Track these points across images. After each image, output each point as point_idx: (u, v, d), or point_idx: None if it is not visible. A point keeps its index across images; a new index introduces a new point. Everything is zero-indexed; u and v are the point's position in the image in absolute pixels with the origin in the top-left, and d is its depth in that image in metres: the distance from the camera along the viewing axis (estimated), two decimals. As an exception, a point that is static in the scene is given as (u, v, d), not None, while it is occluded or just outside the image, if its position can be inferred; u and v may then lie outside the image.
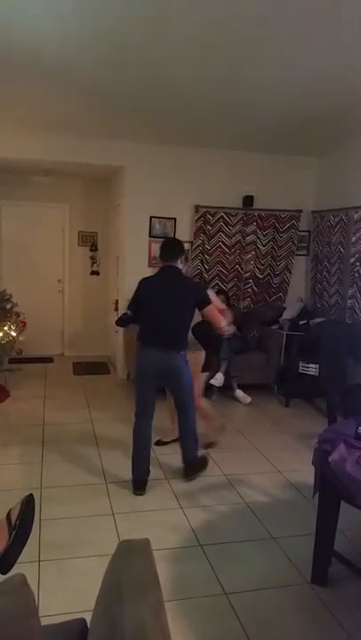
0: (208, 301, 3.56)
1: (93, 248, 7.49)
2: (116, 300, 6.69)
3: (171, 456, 4.11)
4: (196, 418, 3.82)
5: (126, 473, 3.84)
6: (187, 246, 6.22)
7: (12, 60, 3.96)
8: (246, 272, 6.39)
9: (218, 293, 6.00)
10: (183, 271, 3.73)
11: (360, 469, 2.29)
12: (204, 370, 4.21)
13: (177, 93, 4.61)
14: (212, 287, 6.27)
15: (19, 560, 1.62)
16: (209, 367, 4.31)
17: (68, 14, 3.39)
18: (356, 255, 5.57)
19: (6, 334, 5.39)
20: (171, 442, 4.32)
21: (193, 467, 3.79)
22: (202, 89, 4.53)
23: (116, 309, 6.59)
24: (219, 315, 3.61)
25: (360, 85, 4.37)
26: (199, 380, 4.13)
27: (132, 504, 3.41)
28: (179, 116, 5.18)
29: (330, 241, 6.04)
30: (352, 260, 5.63)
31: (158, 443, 4.31)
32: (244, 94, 4.62)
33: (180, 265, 3.63)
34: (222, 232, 6.25)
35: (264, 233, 6.36)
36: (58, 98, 4.70)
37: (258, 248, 6.37)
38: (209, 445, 4.29)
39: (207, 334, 3.80)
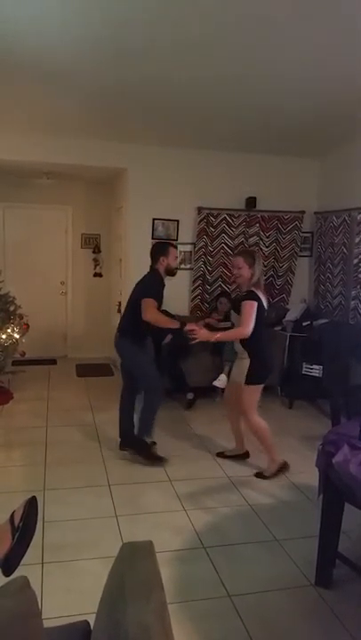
0: (144, 295, 3.92)
1: (96, 250, 7.50)
2: (119, 302, 6.69)
3: (171, 457, 4.11)
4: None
5: (129, 475, 3.84)
6: (189, 248, 6.23)
7: (14, 62, 3.97)
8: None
9: (220, 295, 6.02)
10: (162, 269, 4.06)
11: (364, 471, 2.28)
12: (251, 382, 3.80)
13: (179, 95, 4.61)
14: (215, 289, 6.28)
15: (22, 562, 1.62)
16: (257, 379, 3.82)
17: (70, 16, 3.39)
18: (360, 256, 5.57)
19: (10, 336, 5.40)
20: (233, 457, 4.20)
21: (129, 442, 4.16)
22: (204, 91, 4.53)
23: (119, 311, 6.59)
24: (147, 309, 3.84)
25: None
26: (246, 393, 3.82)
27: (136, 506, 3.41)
28: (181, 118, 5.18)
29: (333, 242, 6.03)
30: (355, 261, 5.62)
31: (220, 455, 4.24)
32: (247, 96, 4.62)
33: (160, 264, 4.06)
34: (225, 234, 6.25)
35: (267, 234, 6.36)
36: (60, 100, 4.71)
37: (261, 249, 6.36)
38: (259, 475, 3.92)
39: (253, 343, 3.73)
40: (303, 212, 6.42)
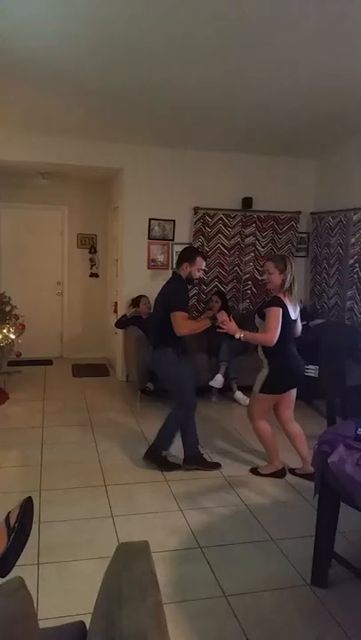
0: (172, 309, 3.72)
1: (92, 250, 7.49)
2: (115, 302, 6.69)
3: (171, 457, 4.11)
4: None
5: (125, 475, 3.84)
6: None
7: (11, 62, 3.96)
8: (245, 273, 6.40)
9: (213, 294, 6.01)
10: (184, 275, 3.86)
11: (360, 471, 2.29)
12: (264, 391, 3.73)
13: (176, 95, 4.62)
14: (212, 289, 6.28)
15: (17, 563, 1.62)
16: (272, 388, 3.73)
17: (68, 17, 3.39)
18: (356, 257, 5.58)
19: (5, 337, 5.39)
20: (269, 475, 3.94)
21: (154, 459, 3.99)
22: (201, 91, 4.53)
23: (116, 311, 6.59)
24: (179, 323, 3.70)
25: (358, 87, 4.38)
26: (258, 399, 3.78)
27: (132, 506, 3.40)
28: (178, 118, 5.18)
29: (329, 242, 6.04)
30: (351, 261, 5.63)
31: (254, 471, 4.00)
32: (244, 96, 4.63)
33: (182, 270, 3.86)
34: (221, 234, 6.25)
35: (263, 234, 6.37)
36: (56, 100, 4.71)
37: (257, 250, 6.38)
38: (253, 470, 3.98)
39: (275, 352, 3.62)
40: (299, 212, 6.43)
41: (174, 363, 3.87)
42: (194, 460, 3.98)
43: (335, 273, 5.98)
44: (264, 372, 3.72)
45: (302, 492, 3.62)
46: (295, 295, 3.67)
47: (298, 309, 3.72)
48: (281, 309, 3.53)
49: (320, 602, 2.52)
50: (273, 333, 3.50)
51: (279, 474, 3.88)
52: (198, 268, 3.87)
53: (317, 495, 2.60)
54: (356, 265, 5.58)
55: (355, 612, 2.47)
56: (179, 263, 3.92)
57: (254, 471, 3.95)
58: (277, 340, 3.53)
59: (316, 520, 2.65)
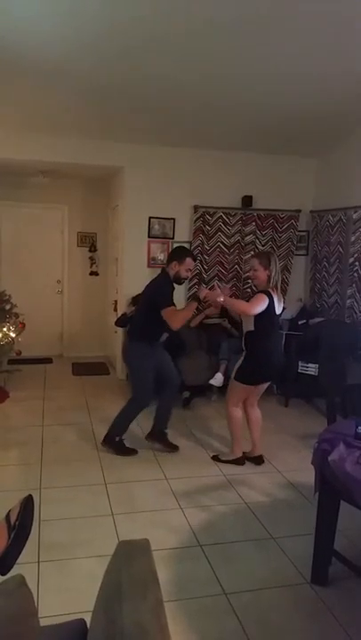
0: (161, 308, 3.81)
1: (92, 249, 7.49)
2: (115, 301, 6.69)
3: (170, 456, 4.12)
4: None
5: (125, 474, 3.84)
6: (185, 247, 6.22)
7: (11, 60, 3.96)
8: (246, 272, 6.39)
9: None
10: (171, 273, 3.96)
11: (360, 469, 2.29)
12: (238, 378, 3.87)
13: (176, 94, 4.61)
14: (211, 287, 6.27)
15: (18, 561, 1.62)
16: (244, 378, 3.84)
17: (67, 15, 3.39)
18: (355, 255, 5.58)
19: (5, 335, 5.39)
20: (228, 462, 4.08)
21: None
22: (201, 90, 4.53)
23: (116, 310, 6.59)
24: (170, 318, 3.80)
25: (358, 85, 4.37)
26: (233, 386, 3.94)
27: (132, 504, 3.41)
28: (178, 117, 5.18)
29: (329, 241, 6.04)
30: (351, 259, 5.63)
31: (215, 458, 4.16)
32: (243, 95, 4.63)
33: (171, 268, 3.97)
34: (221, 232, 6.25)
35: (263, 233, 6.36)
36: (57, 98, 4.71)
37: (257, 248, 6.37)
38: (215, 457, 4.14)
39: (253, 344, 3.76)
40: (299, 210, 6.43)
41: (141, 357, 4.04)
42: (157, 437, 4.26)
43: (335, 271, 5.97)
44: (240, 361, 3.85)
45: (302, 491, 3.63)
46: (279, 290, 3.81)
47: (281, 306, 3.83)
48: (268, 299, 3.65)
49: (320, 600, 2.53)
50: (253, 306, 3.64)
51: (239, 461, 4.04)
52: (187, 268, 3.98)
53: (317, 493, 2.61)
54: (356, 263, 5.57)
55: (355, 610, 2.47)
56: (168, 261, 4.05)
57: (215, 458, 4.12)
58: (257, 332, 3.71)
59: (316, 518, 2.65)
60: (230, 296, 4.22)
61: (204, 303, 3.92)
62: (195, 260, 4.27)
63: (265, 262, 3.74)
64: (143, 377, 4.08)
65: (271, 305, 3.67)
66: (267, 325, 3.72)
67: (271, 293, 3.69)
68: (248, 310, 3.66)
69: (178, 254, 4.02)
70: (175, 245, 6.18)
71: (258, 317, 3.67)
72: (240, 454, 4.05)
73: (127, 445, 4.22)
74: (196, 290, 6.19)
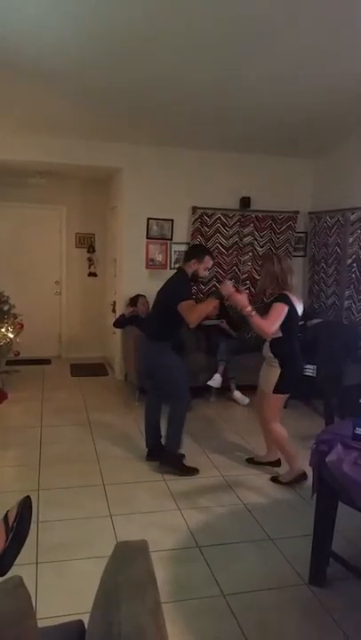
0: (176, 302, 3.67)
1: (91, 250, 7.49)
2: (114, 302, 6.69)
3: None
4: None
5: (124, 475, 3.84)
6: (183, 248, 6.23)
7: (10, 62, 3.96)
8: (244, 273, 6.40)
9: (211, 294, 5.98)
10: (189, 272, 3.84)
11: (357, 470, 2.30)
12: (279, 391, 3.69)
13: (175, 95, 4.62)
14: (210, 288, 6.28)
15: (16, 562, 1.62)
16: (286, 388, 3.70)
17: (67, 16, 3.39)
18: (353, 256, 5.59)
19: (4, 336, 5.39)
20: (264, 463, 4.04)
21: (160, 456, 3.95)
22: (199, 90, 4.54)
23: (114, 311, 6.59)
24: (188, 311, 3.66)
25: (357, 86, 4.38)
26: (273, 400, 3.73)
27: (130, 506, 3.41)
28: (176, 118, 5.18)
29: (327, 242, 6.05)
30: (349, 261, 5.64)
31: (249, 461, 4.11)
32: (242, 96, 4.63)
33: (189, 267, 3.84)
34: (220, 233, 6.25)
35: (261, 234, 6.37)
36: (55, 99, 4.71)
37: (255, 249, 6.38)
38: (274, 479, 3.84)
39: (285, 351, 3.61)
40: (297, 212, 6.44)
41: (169, 356, 3.88)
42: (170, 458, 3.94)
43: (333, 272, 5.98)
44: (276, 371, 3.63)
45: (300, 492, 3.63)
46: (295, 291, 3.68)
47: (301, 307, 3.72)
48: (287, 307, 3.52)
49: (318, 601, 2.53)
50: (272, 325, 3.52)
51: (301, 478, 3.71)
52: (205, 266, 3.86)
53: (315, 494, 2.61)
54: (354, 264, 5.59)
55: (353, 610, 2.48)
56: (187, 259, 3.92)
57: (275, 480, 3.82)
58: (287, 337, 3.57)
59: (314, 519, 2.65)
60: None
61: (226, 301, 3.73)
62: (213, 258, 4.15)
63: (266, 265, 3.69)
64: (177, 373, 3.90)
65: (292, 308, 3.55)
66: (292, 329, 3.60)
67: (289, 297, 3.57)
68: (267, 329, 3.51)
69: (197, 252, 3.92)
70: (173, 246, 6.22)
71: (283, 322, 3.55)
72: (300, 470, 3.71)
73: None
74: (193, 293, 6.20)
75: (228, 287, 3.65)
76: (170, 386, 3.93)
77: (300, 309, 3.68)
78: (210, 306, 3.82)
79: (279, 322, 3.53)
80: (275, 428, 3.75)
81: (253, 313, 3.52)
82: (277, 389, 3.67)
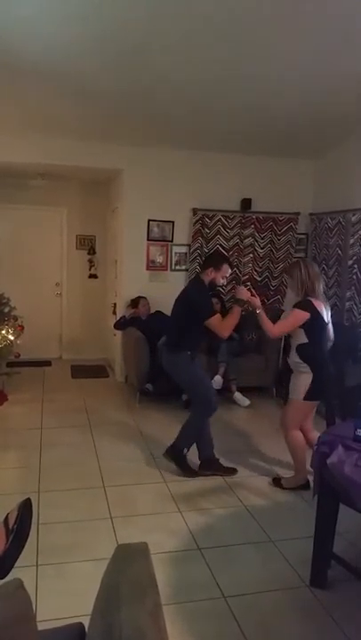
0: (205, 317, 3.66)
1: (91, 251, 7.49)
2: (114, 304, 6.69)
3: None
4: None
5: (124, 477, 3.84)
6: (184, 249, 6.24)
7: (11, 63, 3.96)
8: (244, 275, 6.40)
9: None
10: (207, 280, 3.80)
11: (358, 472, 2.29)
12: (309, 398, 3.60)
13: (175, 96, 4.62)
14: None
15: (16, 564, 1.61)
16: (317, 395, 3.62)
17: (68, 17, 3.40)
18: (354, 257, 5.58)
19: (4, 338, 5.39)
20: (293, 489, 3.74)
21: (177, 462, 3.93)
22: (199, 91, 4.54)
23: (115, 312, 6.59)
24: (218, 327, 3.66)
25: (357, 86, 4.38)
26: (300, 406, 3.65)
27: (131, 508, 3.40)
28: (177, 119, 5.18)
29: (328, 243, 6.04)
30: (350, 262, 5.64)
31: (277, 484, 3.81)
32: (242, 96, 4.63)
33: (206, 275, 3.80)
34: (220, 235, 6.25)
35: (262, 236, 6.37)
36: (56, 101, 4.71)
37: (256, 251, 6.38)
38: (276, 482, 3.81)
39: (314, 356, 3.54)
40: (298, 213, 6.44)
41: (189, 364, 3.83)
42: (209, 465, 3.93)
43: (334, 274, 5.98)
44: (306, 378, 3.54)
45: (301, 493, 3.62)
46: (322, 296, 3.60)
47: (329, 312, 3.63)
48: (307, 314, 3.46)
49: (319, 603, 2.52)
50: (280, 329, 3.56)
51: (303, 487, 3.68)
52: (223, 275, 3.81)
53: (316, 496, 2.61)
54: (355, 266, 5.58)
55: (354, 612, 2.47)
56: (204, 267, 3.88)
57: (277, 483, 3.79)
58: (311, 344, 3.50)
59: (315, 521, 2.65)
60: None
61: (246, 304, 3.73)
62: (232, 266, 4.07)
63: (290, 272, 3.63)
64: (199, 382, 3.87)
65: (316, 314, 3.48)
66: (319, 335, 3.53)
67: (313, 304, 3.49)
68: (273, 331, 3.54)
69: (214, 260, 3.86)
70: (174, 248, 6.22)
71: (308, 328, 3.49)
72: (304, 480, 3.68)
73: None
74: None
75: (245, 292, 3.70)
76: (191, 394, 4.12)
77: (327, 317, 3.58)
78: (238, 316, 3.73)
79: (291, 327, 3.52)
80: (294, 435, 3.68)
81: (261, 312, 3.57)
82: (309, 395, 3.57)
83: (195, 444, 3.95)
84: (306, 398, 3.57)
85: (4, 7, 3.25)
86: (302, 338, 3.52)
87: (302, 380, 3.55)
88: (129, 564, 1.38)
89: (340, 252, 5.85)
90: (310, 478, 3.49)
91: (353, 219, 5.55)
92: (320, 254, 6.24)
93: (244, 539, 3.08)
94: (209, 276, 3.78)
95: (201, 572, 2.75)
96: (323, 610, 2.47)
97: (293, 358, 3.61)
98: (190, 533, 3.11)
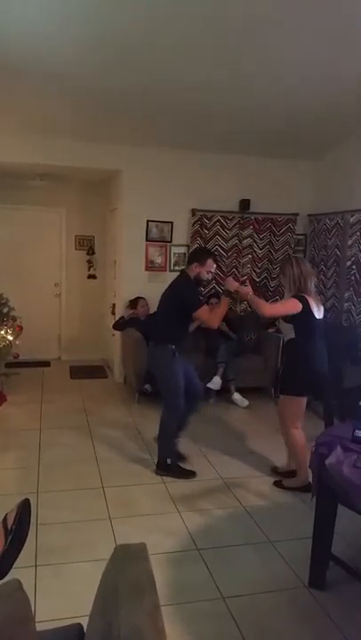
0: (193, 309, 3.70)
1: (90, 252, 7.49)
2: (113, 304, 6.69)
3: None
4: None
5: (123, 477, 3.84)
6: (183, 250, 6.24)
7: (9, 64, 3.96)
8: (243, 275, 6.40)
9: (211, 296, 5.99)
10: (192, 275, 3.83)
11: (357, 472, 2.29)
12: (285, 391, 3.68)
13: (175, 96, 4.62)
14: (209, 290, 6.28)
15: (15, 565, 1.61)
16: (292, 389, 3.64)
17: (67, 17, 3.40)
18: (353, 258, 5.59)
19: (3, 338, 5.39)
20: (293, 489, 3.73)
21: (160, 466, 3.95)
22: (199, 92, 4.54)
23: (114, 313, 6.59)
24: (207, 318, 3.71)
25: (357, 86, 4.39)
26: (282, 404, 3.74)
27: (129, 508, 3.40)
28: (176, 120, 5.19)
29: (326, 244, 6.05)
30: (348, 263, 5.65)
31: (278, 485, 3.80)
32: (242, 97, 4.64)
33: (191, 270, 3.84)
34: (219, 236, 6.26)
35: (261, 236, 6.37)
36: (55, 101, 4.71)
37: (254, 251, 6.38)
38: (275, 470, 3.94)
39: (299, 352, 3.57)
40: (297, 214, 6.44)
41: (170, 359, 3.82)
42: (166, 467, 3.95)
43: (333, 275, 5.99)
44: (292, 374, 3.64)
45: (300, 494, 3.62)
46: (315, 294, 3.64)
47: (322, 310, 3.65)
48: (300, 304, 3.49)
49: (318, 604, 2.52)
50: (274, 309, 3.63)
51: (304, 489, 3.56)
52: (208, 269, 3.83)
53: (315, 497, 2.61)
54: (354, 267, 5.59)
55: (352, 613, 2.47)
56: (189, 262, 3.93)
57: (278, 484, 3.77)
58: (300, 339, 3.56)
59: (314, 522, 2.65)
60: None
61: (236, 295, 3.81)
62: (216, 261, 4.13)
63: (283, 270, 3.68)
64: (174, 382, 3.83)
65: (307, 310, 3.50)
66: (307, 331, 3.56)
67: (306, 298, 3.53)
68: (266, 309, 3.59)
69: (198, 256, 3.91)
70: (173, 249, 6.22)
71: (296, 323, 3.54)
72: (305, 481, 3.60)
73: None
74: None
75: (233, 283, 3.74)
76: (164, 393, 3.95)
77: (319, 314, 3.59)
78: (226, 306, 3.80)
79: (284, 311, 3.57)
80: (293, 434, 3.69)
81: (250, 293, 3.62)
82: (284, 390, 3.67)
83: (157, 444, 3.99)
84: (282, 392, 3.70)
85: (4, 7, 3.25)
86: (290, 334, 3.61)
87: (288, 376, 3.65)
88: (128, 564, 1.38)
89: (338, 252, 5.86)
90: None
91: (351, 220, 5.56)
92: (318, 255, 6.25)
93: (243, 539, 3.08)
94: (194, 271, 3.83)
95: (200, 572, 2.75)
96: (321, 611, 2.47)
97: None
98: (189, 534, 3.11)
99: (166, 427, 3.92)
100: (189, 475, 3.89)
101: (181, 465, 3.99)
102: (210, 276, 3.97)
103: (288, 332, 3.66)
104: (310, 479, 3.43)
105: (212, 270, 3.92)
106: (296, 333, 3.58)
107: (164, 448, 3.95)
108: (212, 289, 6.29)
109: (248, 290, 3.68)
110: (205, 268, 3.81)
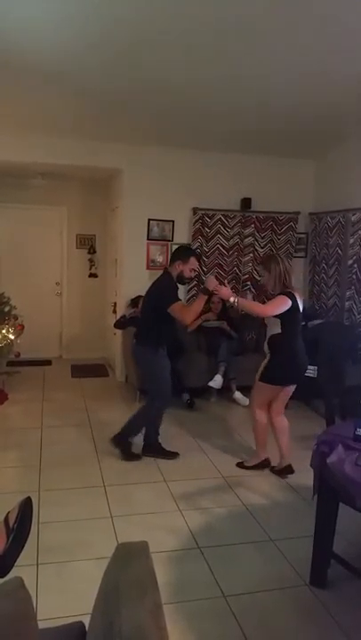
0: (166, 305, 3.78)
1: (91, 251, 7.49)
2: (115, 303, 6.69)
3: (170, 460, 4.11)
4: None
5: (124, 476, 3.84)
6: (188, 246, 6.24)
7: (11, 63, 3.96)
8: (245, 274, 6.40)
9: (213, 296, 5.98)
10: (174, 274, 3.92)
11: (358, 471, 2.29)
12: (265, 380, 3.78)
13: (175, 96, 4.62)
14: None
15: (17, 563, 1.62)
16: (272, 378, 3.75)
17: (68, 17, 3.39)
18: (354, 257, 5.59)
19: (4, 337, 5.39)
20: (253, 467, 4.00)
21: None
22: (200, 92, 4.54)
23: (115, 312, 6.59)
24: (181, 312, 3.78)
25: (357, 86, 4.38)
26: (257, 389, 3.87)
27: (131, 507, 3.41)
28: (177, 119, 5.18)
29: (328, 243, 6.05)
30: (350, 261, 5.64)
31: (240, 465, 4.06)
32: (242, 96, 4.63)
33: (174, 269, 3.92)
34: (220, 234, 6.25)
35: (262, 235, 6.37)
36: (56, 100, 4.71)
37: (256, 250, 6.38)
38: (240, 465, 4.06)
39: (282, 345, 3.67)
40: (298, 212, 6.44)
41: (153, 355, 3.96)
42: (151, 449, 4.16)
43: (334, 273, 5.98)
44: (264, 362, 3.78)
45: (301, 493, 3.63)
46: (296, 289, 3.75)
47: (301, 303, 3.76)
48: (290, 300, 3.58)
49: (319, 602, 2.52)
50: (271, 308, 3.61)
51: (263, 465, 3.98)
52: (191, 267, 3.91)
53: (316, 495, 2.61)
54: (355, 265, 5.58)
55: (354, 612, 2.47)
56: (172, 260, 4.00)
57: (240, 465, 4.04)
58: (284, 331, 3.64)
59: (315, 520, 2.65)
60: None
61: (214, 295, 3.90)
62: (199, 259, 4.19)
63: (268, 265, 3.74)
64: (160, 377, 4.00)
65: (295, 305, 3.62)
66: (293, 326, 3.67)
67: (293, 294, 3.64)
68: (266, 310, 3.63)
69: (181, 254, 3.98)
70: (174, 247, 6.21)
71: (286, 319, 3.62)
72: (263, 458, 3.99)
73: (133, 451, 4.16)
74: (194, 294, 6.19)
75: (212, 281, 3.74)
76: (149, 385, 4.20)
77: (301, 307, 3.74)
78: (201, 303, 3.81)
79: (279, 308, 3.59)
80: (255, 413, 3.88)
81: (237, 300, 3.61)
82: (263, 378, 3.76)
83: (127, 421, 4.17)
84: (261, 379, 3.78)
85: (4, 7, 3.25)
86: (277, 328, 3.68)
87: (264, 362, 3.79)
88: (129, 563, 1.38)
89: (339, 251, 5.85)
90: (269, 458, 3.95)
91: (353, 218, 5.56)
92: (320, 254, 6.24)
93: (244, 538, 3.08)
94: (177, 269, 3.89)
95: (201, 571, 2.75)
96: (322, 609, 2.48)
97: (265, 349, 3.82)
98: (190, 532, 3.11)
99: (150, 411, 4.09)
100: (135, 457, 4.09)
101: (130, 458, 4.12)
102: (193, 274, 4.06)
103: (272, 326, 3.72)
104: (267, 456, 3.93)
105: (195, 268, 4.01)
106: (283, 328, 3.66)
107: (135, 427, 4.12)
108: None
109: (228, 292, 3.67)
110: (188, 266, 3.89)
